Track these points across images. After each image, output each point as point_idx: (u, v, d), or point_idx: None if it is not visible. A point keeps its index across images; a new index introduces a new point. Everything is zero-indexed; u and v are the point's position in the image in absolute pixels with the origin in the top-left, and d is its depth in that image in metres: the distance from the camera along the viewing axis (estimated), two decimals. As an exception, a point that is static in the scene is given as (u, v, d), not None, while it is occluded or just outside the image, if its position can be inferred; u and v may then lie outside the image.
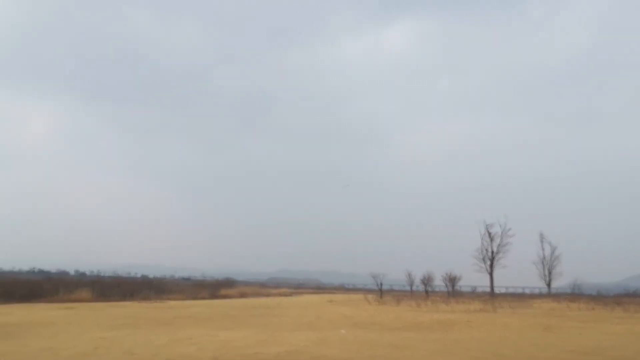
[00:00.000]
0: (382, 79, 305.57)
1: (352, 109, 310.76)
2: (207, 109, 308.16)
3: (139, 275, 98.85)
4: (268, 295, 66.53)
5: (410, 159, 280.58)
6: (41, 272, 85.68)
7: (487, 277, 52.78)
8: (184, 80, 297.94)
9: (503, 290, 73.90)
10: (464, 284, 63.92)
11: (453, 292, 54.46)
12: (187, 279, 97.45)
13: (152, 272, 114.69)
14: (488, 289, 54.45)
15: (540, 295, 57.22)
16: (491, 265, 52.01)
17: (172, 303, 38.41)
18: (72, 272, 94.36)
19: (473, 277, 59.48)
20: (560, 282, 62.72)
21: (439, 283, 58.50)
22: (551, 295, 55.35)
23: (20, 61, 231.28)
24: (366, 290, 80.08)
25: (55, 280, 46.79)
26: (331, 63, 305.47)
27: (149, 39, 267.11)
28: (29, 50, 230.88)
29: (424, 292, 55.37)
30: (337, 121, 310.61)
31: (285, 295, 69.07)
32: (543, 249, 57.46)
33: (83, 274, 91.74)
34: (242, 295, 59.72)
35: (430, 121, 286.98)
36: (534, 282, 66.36)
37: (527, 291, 75.76)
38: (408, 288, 61.89)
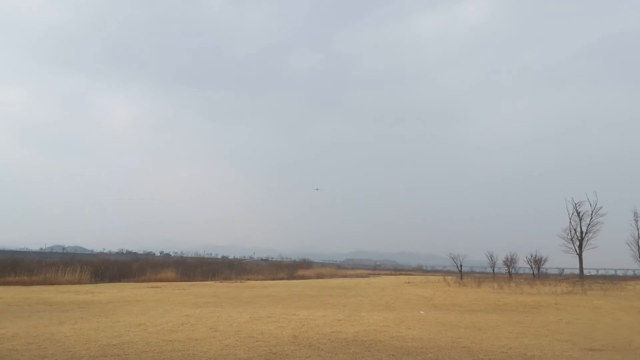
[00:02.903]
0: (460, 54, 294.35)
1: (428, 87, 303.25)
2: (283, 91, 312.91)
3: (219, 256, 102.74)
4: (344, 276, 67.01)
5: (491, 136, 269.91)
6: (129, 253, 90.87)
7: (576, 258, 50.10)
8: (260, 64, 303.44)
9: (593, 272, 70.36)
10: (550, 266, 61.34)
11: (538, 274, 52.20)
12: (265, 260, 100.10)
13: (231, 253, 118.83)
14: (577, 271, 51.78)
15: (634, 277, 53.79)
16: (580, 246, 49.26)
17: (252, 283, 39.54)
18: (157, 253, 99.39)
19: (560, 259, 56.81)
20: (657, 263, 58.44)
21: (522, 265, 56.23)
22: (647, 277, 51.77)
23: (102, 50, 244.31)
24: (445, 272, 78.74)
25: (142, 261, 49.51)
26: (405, 40, 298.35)
27: (225, 24, 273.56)
28: (111, 39, 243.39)
29: (506, 274, 53.44)
30: (413, 100, 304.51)
31: (362, 276, 69.27)
32: (638, 228, 53.67)
33: (167, 255, 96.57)
34: (319, 276, 60.51)
35: (512, 96, 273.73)
36: (627, 263, 62.48)
37: (620, 273, 71.60)
38: (489, 270, 59.96)
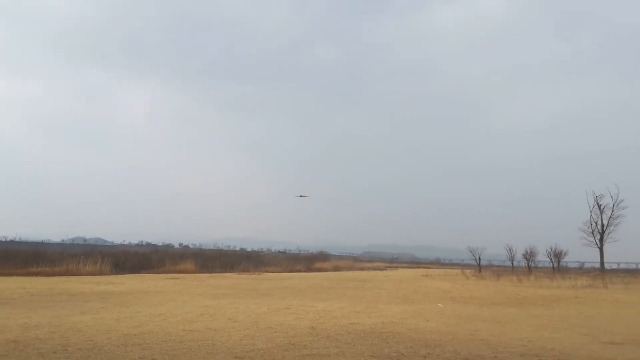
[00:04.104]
0: (478, 46, 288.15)
1: (446, 78, 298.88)
2: (302, 85, 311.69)
3: (237, 248, 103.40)
4: (362, 269, 67.11)
5: (510, 127, 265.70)
6: (149, 245, 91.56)
7: (597, 252, 49.41)
8: (277, 57, 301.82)
9: (614, 266, 69.51)
10: (570, 260, 60.56)
11: (558, 267, 51.63)
12: (283, 252, 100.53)
13: (249, 245, 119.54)
14: (597, 265, 51.08)
15: (657, 271, 52.81)
16: (601, 240, 48.53)
17: (270, 275, 39.80)
18: (176, 245, 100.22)
19: (581, 252, 56.07)
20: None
21: (542, 258, 55.68)
22: (670, 271, 50.87)
23: (119, 43, 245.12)
24: (463, 265, 78.34)
25: (161, 252, 49.91)
26: (422, 32, 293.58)
27: (241, 17, 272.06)
28: (131, 34, 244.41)
29: (526, 267, 52.98)
30: (430, 92, 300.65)
31: (380, 269, 69.30)
32: (661, 222, 52.67)
33: (186, 247, 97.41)
34: (336, 268, 60.63)
35: (533, 87, 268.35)
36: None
37: (642, 267, 70.54)
38: (508, 263, 59.53)
